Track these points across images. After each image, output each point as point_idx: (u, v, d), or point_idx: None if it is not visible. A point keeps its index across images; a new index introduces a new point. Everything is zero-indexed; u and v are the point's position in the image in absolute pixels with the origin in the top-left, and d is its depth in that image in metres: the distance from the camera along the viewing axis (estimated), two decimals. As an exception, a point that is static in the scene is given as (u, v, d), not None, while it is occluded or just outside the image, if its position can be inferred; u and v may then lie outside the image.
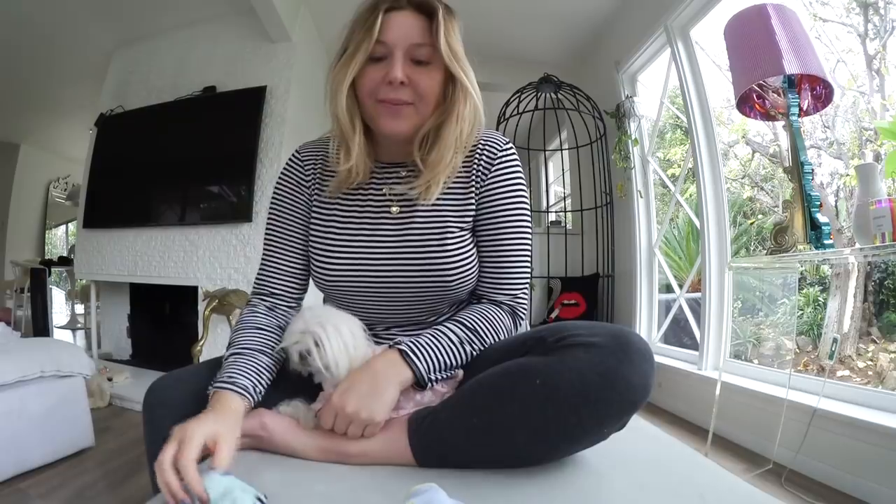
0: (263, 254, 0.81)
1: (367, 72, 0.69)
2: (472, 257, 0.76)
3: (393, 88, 0.68)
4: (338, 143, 0.74)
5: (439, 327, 0.71)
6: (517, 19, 3.05)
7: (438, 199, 0.74)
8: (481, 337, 0.71)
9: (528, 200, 0.78)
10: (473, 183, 0.76)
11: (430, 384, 0.67)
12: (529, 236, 0.78)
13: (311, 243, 0.78)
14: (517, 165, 0.78)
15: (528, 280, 0.79)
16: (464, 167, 0.76)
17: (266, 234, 0.81)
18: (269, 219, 0.81)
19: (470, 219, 0.76)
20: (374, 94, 0.69)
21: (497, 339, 0.73)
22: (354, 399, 0.62)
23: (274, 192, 0.81)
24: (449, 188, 0.75)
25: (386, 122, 0.70)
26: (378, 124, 0.71)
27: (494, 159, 0.76)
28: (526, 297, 0.79)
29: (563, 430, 0.56)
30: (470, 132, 0.73)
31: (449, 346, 0.68)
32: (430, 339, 0.68)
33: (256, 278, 0.81)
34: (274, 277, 0.79)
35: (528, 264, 0.78)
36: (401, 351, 0.66)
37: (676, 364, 2.40)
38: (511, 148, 0.78)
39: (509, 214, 0.76)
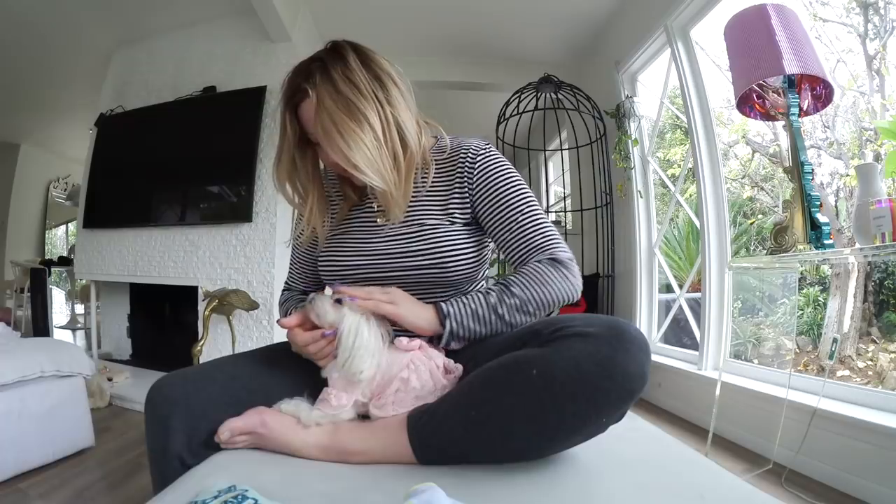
0: (290, 264, 1.00)
1: (317, 154, 0.81)
2: (468, 246, 0.80)
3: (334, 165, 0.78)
4: None
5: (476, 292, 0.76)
6: (517, 19, 3.05)
7: (418, 204, 0.81)
8: (516, 288, 0.73)
9: (521, 178, 0.84)
10: (457, 182, 0.82)
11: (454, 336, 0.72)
12: (536, 203, 0.81)
13: (319, 256, 0.88)
14: (499, 157, 0.85)
15: (556, 233, 0.79)
16: (446, 172, 0.83)
17: (292, 249, 0.99)
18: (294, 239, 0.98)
19: (457, 212, 0.81)
20: (331, 168, 0.82)
21: (541, 286, 0.73)
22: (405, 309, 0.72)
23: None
24: (428, 192, 0.82)
25: (353, 180, 0.79)
26: None
27: (477, 158, 0.82)
28: (564, 245, 0.79)
29: (560, 420, 0.56)
30: (415, 152, 0.78)
31: (479, 304, 0.73)
32: (466, 300, 0.73)
33: (287, 280, 1.01)
34: (296, 281, 0.99)
35: (548, 222, 0.80)
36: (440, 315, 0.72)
37: (676, 364, 2.40)
38: (489, 146, 0.86)
39: (508, 192, 0.80)
